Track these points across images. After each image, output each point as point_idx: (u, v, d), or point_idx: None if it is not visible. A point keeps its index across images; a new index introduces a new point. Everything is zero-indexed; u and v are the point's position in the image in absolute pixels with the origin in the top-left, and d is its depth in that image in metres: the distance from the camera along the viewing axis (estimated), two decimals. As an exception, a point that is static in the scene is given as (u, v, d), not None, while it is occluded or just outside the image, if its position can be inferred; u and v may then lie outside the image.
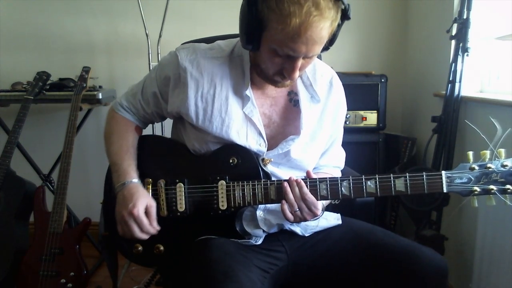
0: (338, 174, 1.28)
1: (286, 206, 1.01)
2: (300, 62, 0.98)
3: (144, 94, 1.22)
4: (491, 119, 1.03)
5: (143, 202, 1.05)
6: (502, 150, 0.95)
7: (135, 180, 1.10)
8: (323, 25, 0.91)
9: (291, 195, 1.01)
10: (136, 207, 1.03)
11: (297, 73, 1.00)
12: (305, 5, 0.87)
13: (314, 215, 1.02)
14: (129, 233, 1.06)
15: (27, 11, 2.50)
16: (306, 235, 1.16)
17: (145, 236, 1.06)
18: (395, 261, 1.04)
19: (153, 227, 1.07)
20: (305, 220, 1.03)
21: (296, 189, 1.01)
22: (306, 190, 1.00)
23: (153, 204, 1.08)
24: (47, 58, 2.51)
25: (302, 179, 1.02)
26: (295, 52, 0.94)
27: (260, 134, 1.10)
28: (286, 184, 1.01)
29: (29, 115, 1.92)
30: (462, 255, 1.87)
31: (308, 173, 1.04)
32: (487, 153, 0.96)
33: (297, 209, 1.01)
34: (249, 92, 1.09)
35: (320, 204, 1.05)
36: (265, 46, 0.98)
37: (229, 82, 1.11)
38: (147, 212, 1.06)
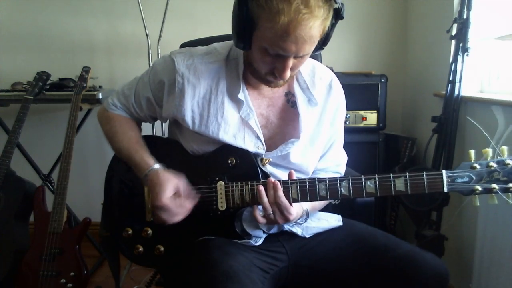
0: None
1: (257, 212, 1.01)
2: (291, 61, 0.96)
3: (136, 97, 1.21)
4: (493, 110, 1.02)
5: (165, 188, 1.02)
6: (505, 148, 0.94)
7: (155, 166, 1.08)
8: (313, 23, 0.89)
9: (265, 199, 1.00)
10: (158, 199, 1.01)
11: (288, 73, 0.98)
12: (293, 2, 0.86)
13: (286, 219, 1.01)
14: (168, 220, 1.04)
15: (27, 11, 2.50)
16: (307, 236, 1.15)
17: (180, 217, 1.04)
18: (396, 266, 1.03)
19: (184, 206, 1.03)
20: (277, 223, 1.03)
21: (271, 191, 1.00)
22: (280, 193, 0.99)
23: (179, 183, 1.05)
24: (47, 58, 2.51)
25: (301, 179, 1.02)
26: (284, 51, 0.93)
27: (258, 137, 1.10)
28: (261, 187, 1.01)
29: (29, 115, 1.92)
30: (462, 255, 1.87)
31: (290, 174, 1.04)
32: (489, 151, 0.94)
33: (271, 212, 1.01)
34: (241, 95, 1.08)
35: (296, 209, 1.03)
36: (256, 45, 0.97)
37: (225, 86, 1.10)
38: (176, 193, 1.04)
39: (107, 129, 1.23)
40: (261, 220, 1.02)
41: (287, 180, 1.03)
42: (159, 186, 1.03)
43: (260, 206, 1.03)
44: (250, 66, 1.07)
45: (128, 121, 1.24)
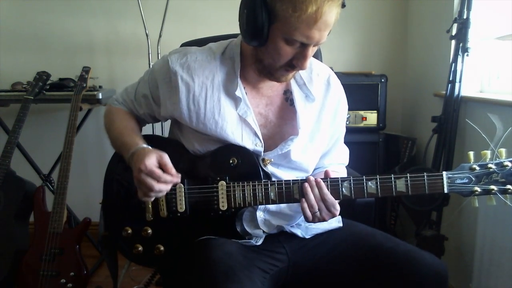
0: (343, 170, 1.27)
1: (306, 205, 1.01)
2: (311, 50, 0.99)
3: (137, 95, 1.23)
4: (490, 116, 1.03)
5: (151, 156, 1.00)
6: (503, 150, 0.95)
7: (144, 145, 1.08)
8: (335, 9, 0.93)
9: (311, 196, 1.01)
10: (143, 162, 0.98)
11: (308, 62, 1.00)
12: None
13: (333, 216, 1.03)
14: (148, 190, 1.00)
15: (27, 11, 2.50)
16: (307, 237, 1.15)
17: (166, 187, 1.00)
18: (395, 266, 1.04)
19: (172, 175, 1.01)
20: (324, 220, 1.03)
21: (316, 189, 1.01)
22: (326, 191, 1.01)
23: (163, 154, 1.02)
24: (47, 58, 2.51)
25: (302, 180, 1.03)
26: (308, 39, 0.95)
27: (256, 134, 1.10)
28: (306, 184, 1.01)
29: (29, 115, 1.92)
30: (462, 255, 1.87)
31: (326, 172, 1.04)
32: (488, 153, 0.96)
33: (317, 210, 1.01)
34: (239, 92, 1.09)
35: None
36: (274, 38, 0.97)
37: (221, 84, 1.11)
38: (160, 164, 1.01)
39: (106, 121, 1.26)
40: (310, 216, 1.01)
41: (289, 180, 1.04)
42: (143, 155, 1.01)
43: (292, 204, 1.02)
44: (258, 63, 1.06)
45: (127, 113, 1.25)
